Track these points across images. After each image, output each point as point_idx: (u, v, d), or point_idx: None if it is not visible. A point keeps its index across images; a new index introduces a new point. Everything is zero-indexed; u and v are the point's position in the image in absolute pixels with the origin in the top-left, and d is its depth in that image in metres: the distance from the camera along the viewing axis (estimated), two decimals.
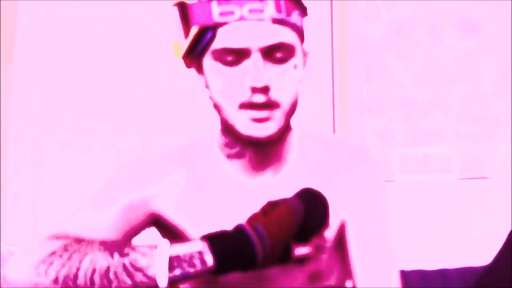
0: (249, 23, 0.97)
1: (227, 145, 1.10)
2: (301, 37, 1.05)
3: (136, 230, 1.12)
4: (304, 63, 1.08)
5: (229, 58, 0.99)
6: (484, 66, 2.47)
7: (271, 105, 0.99)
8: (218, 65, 1.01)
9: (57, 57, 2.55)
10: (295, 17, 1.00)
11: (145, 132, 2.48)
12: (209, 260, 0.91)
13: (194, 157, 1.13)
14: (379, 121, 2.44)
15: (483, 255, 2.33)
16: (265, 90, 0.98)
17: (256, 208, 1.09)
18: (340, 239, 1.13)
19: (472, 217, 2.36)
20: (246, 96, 0.99)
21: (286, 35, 0.99)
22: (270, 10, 0.97)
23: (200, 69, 1.06)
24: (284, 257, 0.95)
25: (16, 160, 2.46)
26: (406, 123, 2.43)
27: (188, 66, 1.07)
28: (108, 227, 1.08)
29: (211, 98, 1.04)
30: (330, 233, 1.10)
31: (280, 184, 1.11)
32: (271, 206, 0.95)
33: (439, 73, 2.47)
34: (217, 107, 1.04)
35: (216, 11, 0.97)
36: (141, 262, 0.91)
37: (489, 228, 2.34)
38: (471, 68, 2.47)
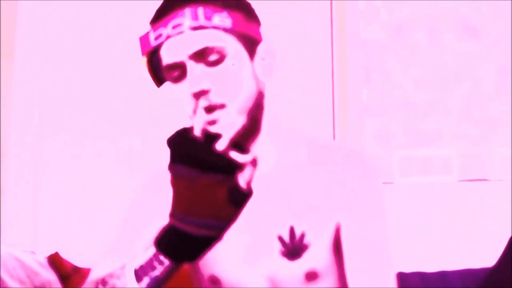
0: (174, 38, 1.05)
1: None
2: (242, 36, 1.09)
3: None
4: (252, 56, 1.10)
5: (175, 74, 1.08)
6: (484, 68, 2.47)
7: (215, 107, 1.05)
8: (172, 84, 1.09)
9: (57, 57, 2.55)
10: (218, 19, 1.06)
11: (145, 132, 2.48)
12: (164, 259, 0.96)
13: None
14: (379, 122, 2.44)
15: (483, 257, 2.33)
16: (204, 93, 1.05)
17: (248, 206, 1.14)
18: (337, 242, 1.13)
19: (472, 219, 2.36)
20: (193, 103, 1.06)
21: (210, 39, 1.05)
22: (187, 21, 1.05)
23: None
24: (230, 167, 0.93)
25: (16, 161, 2.46)
26: (406, 124, 2.43)
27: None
28: None
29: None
30: (325, 238, 1.11)
31: (269, 182, 1.14)
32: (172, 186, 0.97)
33: (439, 75, 2.47)
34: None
35: (152, 37, 1.08)
36: (118, 284, 0.98)
37: (489, 230, 2.34)
38: (470, 69, 2.47)
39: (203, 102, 1.04)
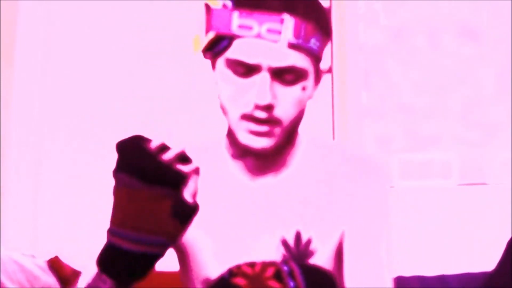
0: (265, 42, 0.99)
1: (231, 145, 1.13)
2: (317, 60, 1.05)
3: None
4: (317, 82, 1.10)
5: (240, 70, 1.02)
6: (484, 71, 2.48)
7: (272, 121, 1.02)
8: (229, 72, 1.03)
9: (58, 58, 2.55)
10: (313, 42, 1.01)
11: (145, 135, 2.48)
12: (106, 278, 0.91)
13: (202, 156, 1.17)
14: (378, 126, 2.44)
15: (482, 260, 2.33)
16: (267, 108, 1.01)
17: (255, 208, 1.11)
18: (340, 249, 1.13)
19: (471, 222, 2.36)
20: (249, 109, 1.02)
21: (299, 60, 1.00)
22: (287, 34, 0.98)
23: (213, 66, 1.10)
24: (176, 180, 0.90)
25: (16, 165, 2.46)
26: (406, 128, 2.43)
27: (205, 57, 1.10)
28: None
29: (218, 97, 1.07)
30: (330, 244, 1.11)
31: (280, 186, 1.12)
32: None
33: (439, 79, 2.47)
34: (222, 109, 1.07)
35: (235, 22, 1.00)
36: None
37: (489, 233, 2.34)
38: (470, 73, 2.47)
39: (262, 114, 1.01)
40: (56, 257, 2.05)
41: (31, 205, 2.46)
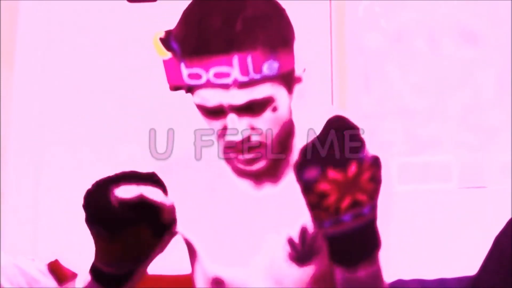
0: (216, 90, 0.97)
1: (229, 164, 1.13)
2: (283, 76, 1.00)
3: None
4: (291, 90, 1.06)
5: (207, 113, 1.02)
6: (483, 75, 2.48)
7: (254, 147, 1.02)
8: (201, 115, 1.04)
9: (58, 61, 2.56)
10: (266, 68, 0.96)
11: (144, 139, 2.48)
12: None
13: (202, 166, 1.16)
14: (378, 129, 2.44)
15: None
16: (244, 141, 1.00)
17: (262, 218, 1.11)
18: None
19: (471, 225, 2.37)
20: (227, 142, 1.02)
21: (257, 93, 0.97)
22: (235, 73, 0.94)
23: None
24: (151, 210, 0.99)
25: (16, 167, 2.46)
26: (405, 131, 2.44)
27: None
28: None
29: None
30: None
31: (284, 190, 1.12)
32: None
33: (438, 82, 2.47)
34: None
35: (185, 73, 0.98)
36: None
37: (488, 236, 2.34)
38: (470, 76, 2.47)
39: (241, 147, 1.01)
40: (56, 260, 2.06)
41: (31, 208, 2.46)
